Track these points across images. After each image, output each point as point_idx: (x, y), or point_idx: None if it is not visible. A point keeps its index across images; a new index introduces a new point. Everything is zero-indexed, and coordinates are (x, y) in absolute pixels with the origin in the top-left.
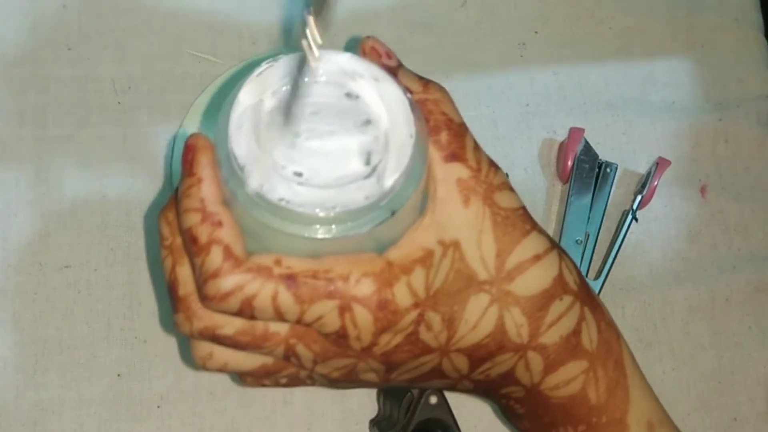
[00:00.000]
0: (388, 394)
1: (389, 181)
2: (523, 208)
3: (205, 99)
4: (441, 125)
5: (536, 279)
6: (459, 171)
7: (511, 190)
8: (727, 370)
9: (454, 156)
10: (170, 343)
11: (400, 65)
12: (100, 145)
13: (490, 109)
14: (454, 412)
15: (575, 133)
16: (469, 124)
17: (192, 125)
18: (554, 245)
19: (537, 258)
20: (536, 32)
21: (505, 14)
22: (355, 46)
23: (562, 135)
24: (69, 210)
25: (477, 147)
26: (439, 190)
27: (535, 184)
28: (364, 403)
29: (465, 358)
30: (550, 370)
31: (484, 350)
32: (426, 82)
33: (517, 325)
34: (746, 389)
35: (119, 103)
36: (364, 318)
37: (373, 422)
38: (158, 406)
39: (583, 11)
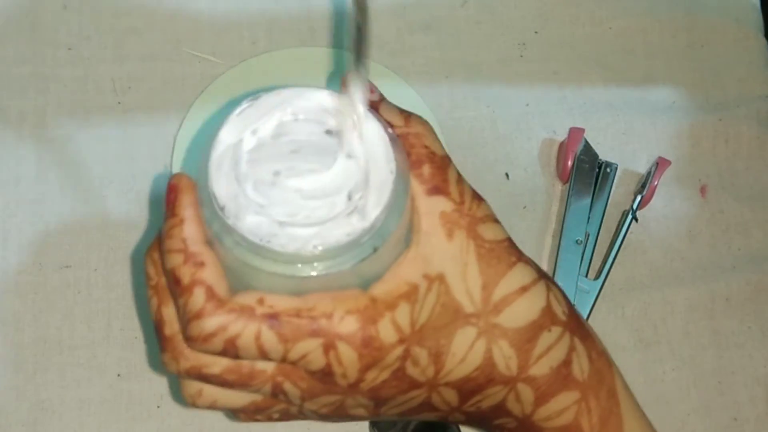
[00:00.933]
0: None
1: (370, 218)
2: (509, 239)
3: (205, 99)
4: (423, 159)
5: (523, 311)
6: (442, 204)
7: (496, 221)
8: (727, 370)
9: (437, 189)
10: None
11: (382, 99)
12: (100, 145)
13: (490, 109)
14: None
15: (575, 133)
16: (469, 124)
17: (186, 134)
18: (541, 276)
19: (523, 290)
20: (536, 32)
21: (505, 14)
22: (338, 80)
23: (562, 135)
24: (69, 210)
25: (460, 179)
26: (423, 224)
27: (535, 184)
28: None
29: (454, 392)
30: (541, 402)
31: (473, 383)
32: (407, 116)
33: (505, 357)
34: (746, 389)
35: (119, 103)
36: (348, 355)
37: (373, 422)
38: (158, 406)
39: (583, 11)
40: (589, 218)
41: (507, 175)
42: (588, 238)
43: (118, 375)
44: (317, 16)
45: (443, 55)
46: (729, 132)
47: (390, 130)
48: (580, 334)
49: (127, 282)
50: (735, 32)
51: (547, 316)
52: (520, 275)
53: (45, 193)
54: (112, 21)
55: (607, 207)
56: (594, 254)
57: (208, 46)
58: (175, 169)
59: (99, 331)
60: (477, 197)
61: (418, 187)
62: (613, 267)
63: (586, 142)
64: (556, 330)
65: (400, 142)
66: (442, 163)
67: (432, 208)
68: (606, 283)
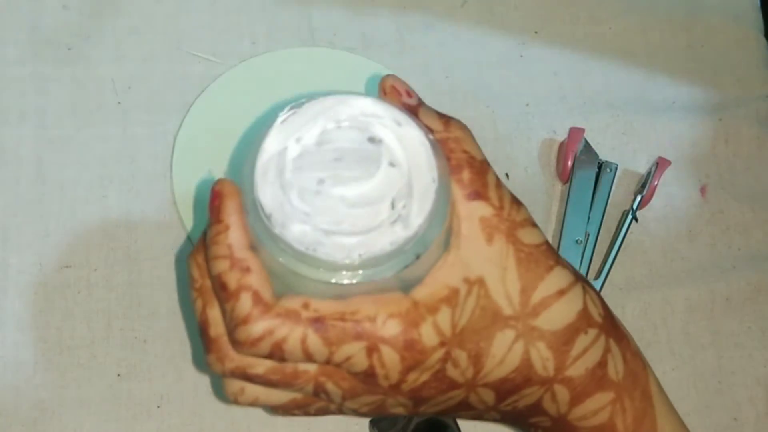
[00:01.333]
0: None
1: (414, 226)
2: (546, 243)
3: (205, 99)
4: (463, 164)
5: (561, 314)
6: (482, 209)
7: (534, 225)
8: (727, 370)
9: (477, 194)
10: (170, 343)
11: (421, 103)
12: (100, 145)
13: (490, 109)
14: None
15: (575, 133)
16: (468, 124)
17: (186, 134)
18: (578, 279)
19: (561, 293)
20: (536, 32)
21: (505, 14)
22: (376, 83)
23: (562, 135)
24: (69, 210)
25: (499, 184)
26: (463, 228)
27: (535, 184)
28: None
29: (491, 392)
30: (576, 402)
31: (510, 384)
32: (447, 120)
33: (542, 359)
34: (746, 389)
35: (119, 103)
36: (391, 358)
37: (373, 422)
38: (158, 406)
39: (583, 11)
40: (589, 218)
41: (507, 175)
42: (588, 238)
43: (118, 375)
44: (317, 16)
45: (443, 55)
46: (729, 132)
47: (431, 136)
48: (615, 335)
49: (127, 282)
50: (735, 32)
51: (584, 319)
52: (557, 279)
53: (45, 193)
54: (112, 21)
55: (607, 207)
56: (594, 254)
57: (208, 46)
58: (176, 170)
59: (99, 331)
60: (516, 201)
61: (457, 192)
62: (613, 267)
63: (586, 142)
64: (592, 332)
65: (440, 148)
66: (482, 167)
67: (472, 213)
68: (606, 283)
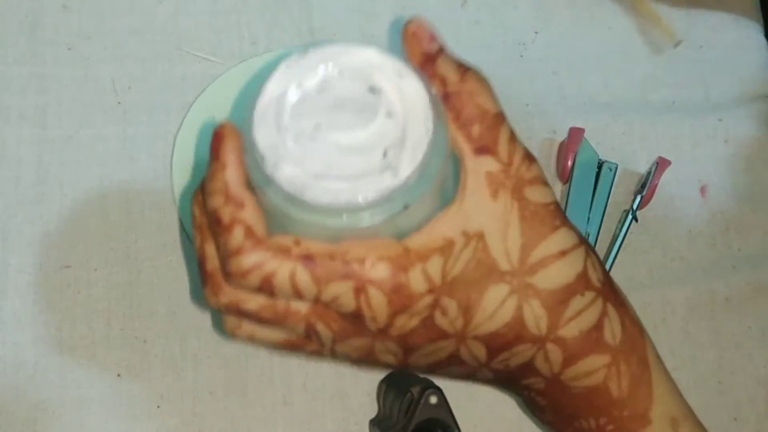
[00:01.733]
0: (388, 393)
1: (402, 176)
2: (555, 203)
3: (205, 99)
4: (473, 118)
5: (559, 274)
6: (488, 164)
7: (545, 184)
8: (727, 370)
9: (485, 149)
10: (170, 343)
11: (441, 51)
12: (100, 145)
13: None
14: (454, 412)
15: (575, 133)
16: None
17: (186, 134)
18: (582, 242)
19: (562, 254)
20: (536, 32)
21: (505, 14)
22: (399, 27)
23: (562, 135)
24: (69, 210)
25: (513, 139)
26: (468, 182)
27: None
28: (364, 403)
29: (482, 346)
30: (569, 363)
31: (501, 339)
32: (464, 72)
33: (536, 316)
34: (746, 389)
35: (119, 103)
36: (378, 300)
37: (373, 422)
38: (158, 406)
39: (583, 11)
40: (589, 218)
41: None
42: (588, 238)
43: (118, 375)
44: (317, 16)
45: None
46: (729, 132)
47: (433, 90)
48: (614, 301)
49: (127, 282)
50: (735, 32)
51: (582, 281)
52: (561, 239)
53: (45, 193)
54: (112, 21)
55: (607, 207)
56: None
57: (208, 46)
58: (175, 170)
59: (99, 331)
60: (528, 158)
61: (465, 146)
62: (613, 267)
63: (586, 142)
64: (589, 295)
65: (441, 102)
66: (494, 121)
67: (478, 168)
68: None
